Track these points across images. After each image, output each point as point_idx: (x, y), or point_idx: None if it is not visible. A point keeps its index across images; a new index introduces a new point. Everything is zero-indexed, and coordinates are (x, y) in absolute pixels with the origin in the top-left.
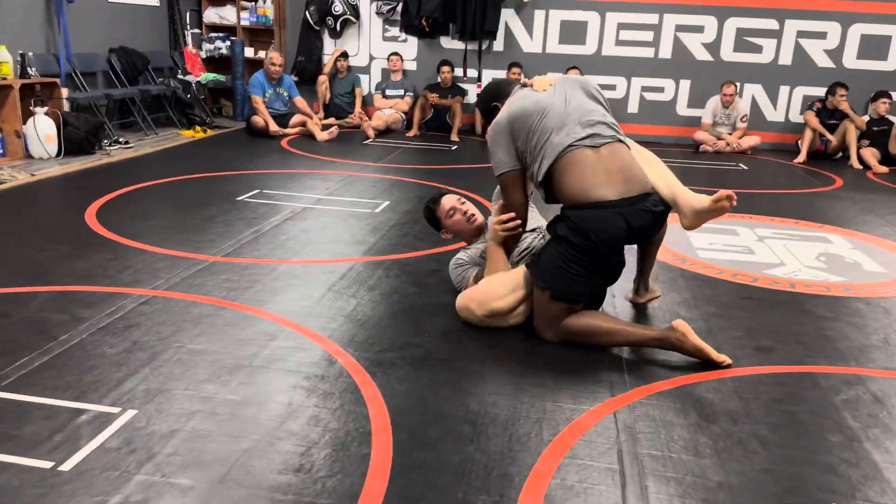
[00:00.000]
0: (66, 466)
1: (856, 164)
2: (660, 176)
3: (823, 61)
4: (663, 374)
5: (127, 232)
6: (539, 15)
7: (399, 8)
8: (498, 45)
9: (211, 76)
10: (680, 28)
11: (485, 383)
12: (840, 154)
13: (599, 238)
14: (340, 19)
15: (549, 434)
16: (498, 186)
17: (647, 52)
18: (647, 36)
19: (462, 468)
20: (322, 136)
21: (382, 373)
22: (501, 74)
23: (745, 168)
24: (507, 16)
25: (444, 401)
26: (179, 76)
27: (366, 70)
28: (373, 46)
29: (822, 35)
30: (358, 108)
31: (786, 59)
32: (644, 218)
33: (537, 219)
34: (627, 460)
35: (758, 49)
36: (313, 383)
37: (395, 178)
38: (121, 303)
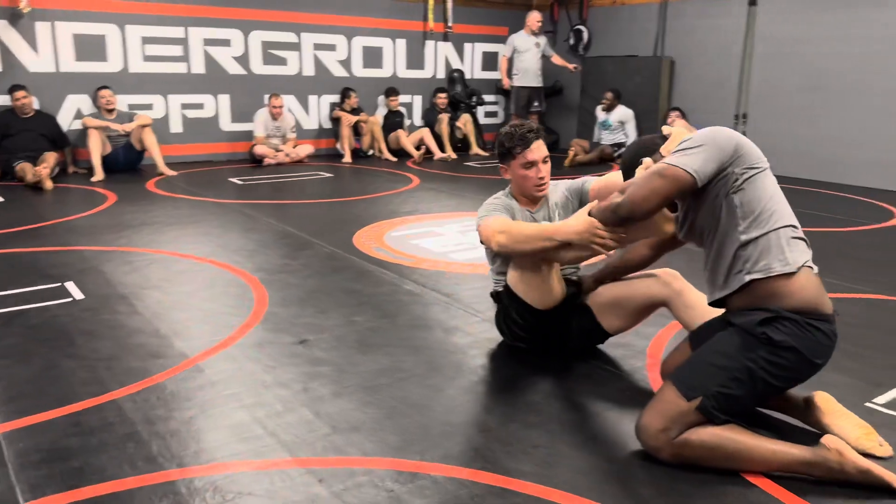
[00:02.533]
0: None
1: (389, 157)
2: None
3: (338, 71)
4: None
5: None
6: (43, 28)
7: None
8: None
9: None
10: (208, 42)
11: None
12: (371, 151)
13: (827, 359)
14: None
15: None
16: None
17: (180, 68)
18: (177, 50)
19: None
20: None
21: None
22: (2, 99)
23: (330, 175)
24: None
25: None
26: None
27: None
28: None
29: (333, 47)
30: None
31: (309, 70)
32: None
33: None
34: None
35: (283, 61)
36: None
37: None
38: None
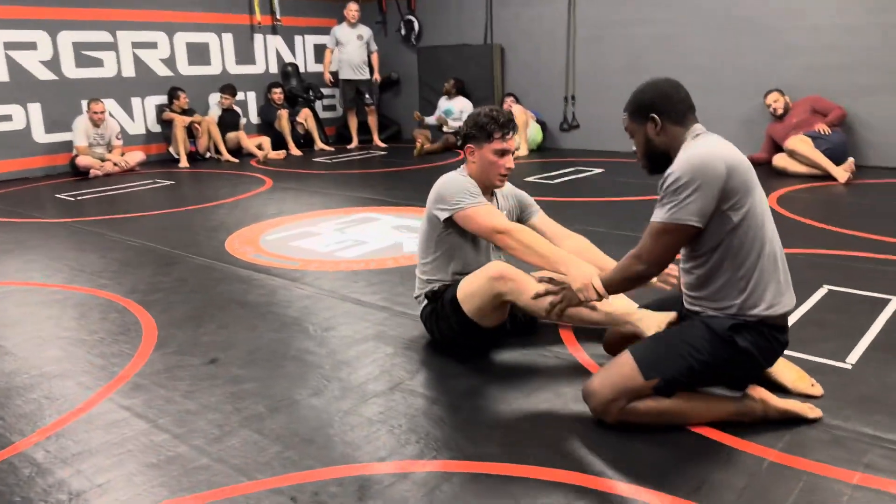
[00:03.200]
0: None
1: (230, 158)
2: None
3: (162, 70)
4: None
5: None
6: None
7: None
8: None
9: None
10: (10, 46)
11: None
12: (209, 153)
13: (772, 363)
14: None
15: None
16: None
17: None
18: None
19: None
20: None
21: None
22: None
23: (171, 182)
24: None
25: None
26: None
27: None
28: None
29: (153, 45)
30: None
31: (129, 70)
32: None
33: None
34: None
35: (100, 63)
36: None
37: None
38: None
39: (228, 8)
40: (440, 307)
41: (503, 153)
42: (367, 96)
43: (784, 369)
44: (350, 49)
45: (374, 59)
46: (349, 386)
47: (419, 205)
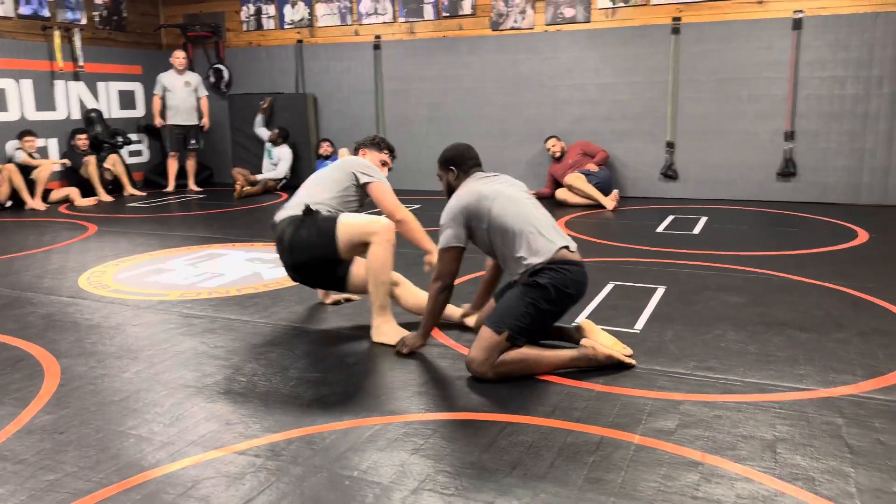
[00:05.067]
0: None
1: (36, 206)
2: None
3: None
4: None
5: None
6: None
7: None
8: None
9: None
10: None
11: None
12: (10, 202)
13: (579, 290)
14: None
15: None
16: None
17: None
18: None
19: None
20: None
21: None
22: None
23: None
24: None
25: None
26: None
27: None
28: None
29: None
30: None
31: None
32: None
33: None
34: None
35: None
36: None
37: None
38: None
39: (28, 54)
40: (311, 223)
41: (384, 164)
42: (192, 141)
43: (603, 337)
44: (179, 95)
45: (204, 103)
46: (263, 379)
47: (260, 240)
